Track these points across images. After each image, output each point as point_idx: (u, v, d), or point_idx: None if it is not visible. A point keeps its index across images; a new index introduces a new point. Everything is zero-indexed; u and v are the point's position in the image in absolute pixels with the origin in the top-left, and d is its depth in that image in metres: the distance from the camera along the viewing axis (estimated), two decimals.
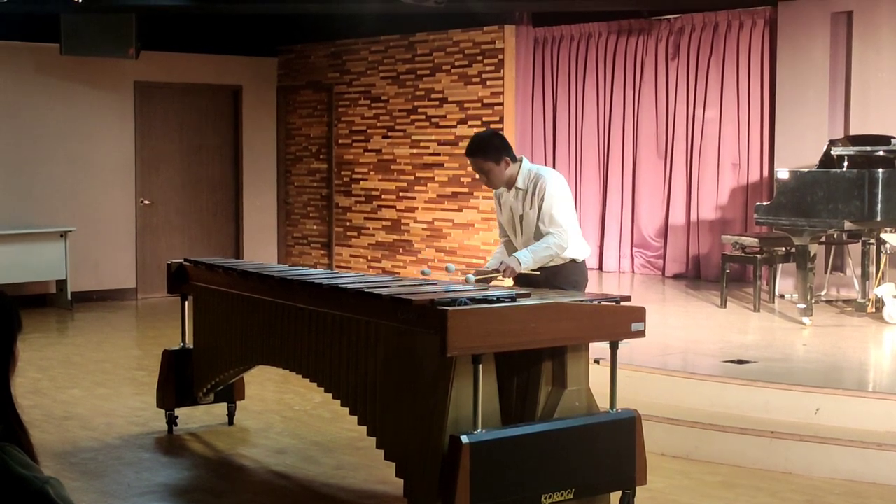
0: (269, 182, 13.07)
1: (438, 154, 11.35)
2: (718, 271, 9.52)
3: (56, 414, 6.85)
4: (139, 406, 7.01)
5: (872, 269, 8.56)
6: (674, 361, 7.03)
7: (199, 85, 12.43)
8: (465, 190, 11.10)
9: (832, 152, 8.58)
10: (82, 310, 11.13)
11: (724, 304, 9.01)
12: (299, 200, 13.00)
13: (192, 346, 6.33)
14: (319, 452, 6.00)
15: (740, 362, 6.79)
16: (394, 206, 11.85)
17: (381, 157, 11.97)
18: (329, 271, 5.87)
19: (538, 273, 5.45)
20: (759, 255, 8.96)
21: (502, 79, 10.82)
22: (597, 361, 5.78)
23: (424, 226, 11.52)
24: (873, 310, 8.46)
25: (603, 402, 4.78)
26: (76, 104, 11.56)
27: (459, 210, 11.16)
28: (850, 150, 8.51)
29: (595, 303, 4.67)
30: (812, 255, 8.25)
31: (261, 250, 12.82)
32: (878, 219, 7.84)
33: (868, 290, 8.56)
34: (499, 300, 4.37)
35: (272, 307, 5.37)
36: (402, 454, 4.49)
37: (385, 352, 4.56)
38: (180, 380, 6.30)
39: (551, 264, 5.46)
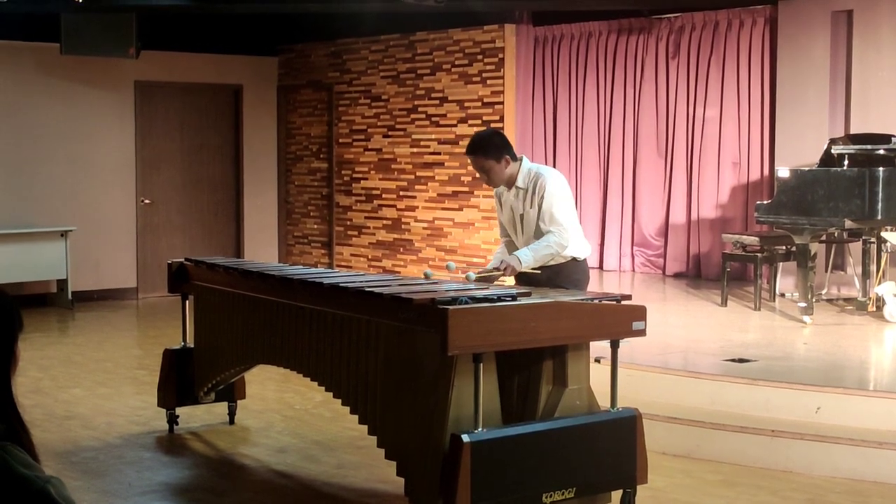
0: (270, 181, 13.08)
1: (439, 153, 11.35)
2: (719, 270, 9.52)
3: (57, 413, 6.85)
4: (140, 405, 7.01)
5: (873, 267, 8.57)
6: (674, 360, 7.03)
7: (200, 84, 12.43)
8: (466, 189, 11.10)
9: (833, 151, 8.58)
10: (83, 309, 11.13)
11: (724, 303, 9.01)
12: (300, 200, 13.00)
13: (192, 346, 6.33)
14: (320, 451, 6.00)
15: (741, 361, 6.80)
16: (394, 206, 11.85)
17: (381, 157, 11.97)
18: (330, 270, 5.87)
19: (539, 272, 5.45)
20: (759, 254, 8.96)
21: (502, 78, 10.82)
22: (597, 360, 5.78)
23: (425, 225, 11.52)
24: (874, 308, 8.46)
25: (604, 401, 4.78)
26: (77, 104, 11.56)
27: (460, 209, 11.16)
28: (851, 148, 8.51)
29: (596, 302, 4.68)
30: (813, 253, 8.25)
31: (261, 249, 12.82)
32: (879, 217, 7.84)
33: (869, 288, 8.56)
34: (500, 299, 4.37)
35: (273, 306, 5.37)
36: (403, 453, 4.49)
37: (386, 351, 4.56)
38: (181, 379, 6.30)
39: (552, 263, 5.46)
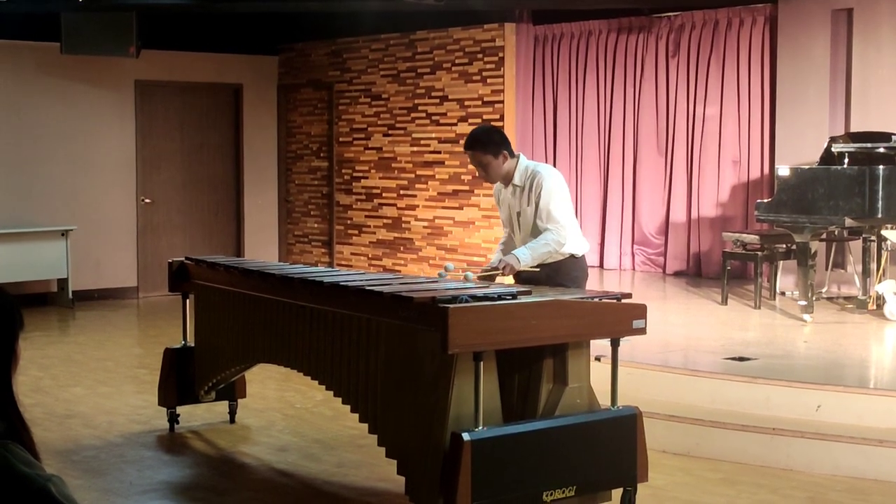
0: (270, 180, 13.08)
1: (439, 152, 11.35)
2: (719, 268, 9.52)
3: (58, 412, 6.85)
4: (141, 404, 7.01)
5: (873, 265, 8.57)
6: (675, 358, 7.03)
7: (200, 83, 12.43)
8: (466, 188, 11.11)
9: (833, 149, 8.58)
10: (83, 308, 11.13)
11: (724, 302, 9.01)
12: (300, 199, 13.01)
13: (193, 345, 6.33)
14: (321, 450, 6.01)
15: (741, 359, 6.80)
16: (394, 204, 11.85)
17: (381, 155, 11.97)
18: (330, 269, 5.87)
19: (538, 270, 5.45)
20: (759, 253, 8.96)
21: (503, 76, 10.82)
22: (598, 359, 5.79)
23: (425, 224, 11.52)
24: (874, 307, 8.46)
25: (604, 400, 4.78)
26: (77, 103, 11.57)
27: (460, 208, 11.16)
28: (851, 147, 8.51)
29: (596, 300, 4.68)
30: (813, 252, 8.25)
31: (262, 249, 12.82)
32: (879, 216, 7.84)
33: (869, 286, 8.56)
34: (500, 297, 4.37)
35: (273, 305, 5.37)
36: (404, 452, 4.49)
37: (386, 349, 4.56)
38: (182, 378, 6.30)
39: (550, 260, 5.47)
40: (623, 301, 4.71)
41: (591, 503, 4.73)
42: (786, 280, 9.50)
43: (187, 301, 6.38)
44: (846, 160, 8.38)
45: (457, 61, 11.18)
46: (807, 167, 8.40)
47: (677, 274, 10.94)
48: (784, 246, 8.98)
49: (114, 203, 11.88)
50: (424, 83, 11.47)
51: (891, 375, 6.90)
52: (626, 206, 11.39)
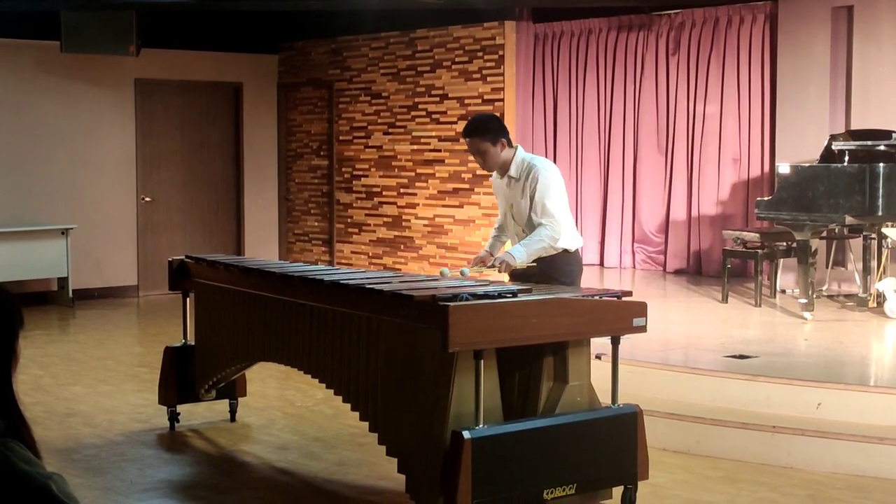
0: (270, 179, 13.08)
1: (439, 150, 11.35)
2: (719, 266, 9.52)
3: (58, 411, 6.85)
4: (141, 403, 7.01)
5: (874, 263, 8.57)
6: (675, 356, 7.03)
7: (200, 82, 12.43)
8: (466, 186, 11.10)
9: (833, 147, 8.58)
10: (84, 307, 11.14)
11: (725, 300, 9.01)
12: (300, 197, 13.00)
13: (193, 343, 6.33)
14: (321, 449, 6.01)
15: (741, 357, 6.79)
16: (395, 203, 11.85)
17: (381, 154, 11.97)
18: (330, 268, 5.87)
19: (534, 265, 5.45)
20: (760, 250, 8.96)
21: (503, 75, 10.82)
22: (598, 357, 5.79)
23: (425, 222, 11.52)
24: (875, 304, 8.46)
25: (604, 398, 4.79)
26: (77, 102, 11.56)
27: (460, 206, 11.16)
28: (851, 144, 8.51)
29: (596, 298, 4.68)
30: (813, 249, 8.25)
31: (262, 247, 12.82)
32: (879, 213, 7.84)
33: (869, 284, 8.56)
34: (500, 295, 4.37)
35: (274, 304, 5.37)
36: (404, 450, 4.49)
37: (386, 348, 4.56)
38: (182, 376, 6.31)
39: (544, 254, 5.46)
40: (623, 299, 4.71)
41: (592, 501, 4.74)
42: (786, 278, 9.50)
43: (187, 300, 6.38)
44: (846, 158, 8.38)
45: (457, 59, 11.18)
46: (807, 165, 8.40)
47: (678, 272, 10.94)
48: (784, 244, 8.97)
49: (114, 202, 11.88)
50: (424, 81, 11.46)
51: (891, 373, 6.91)
52: (626, 204, 11.39)
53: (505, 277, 5.62)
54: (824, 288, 9.26)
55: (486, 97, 10.94)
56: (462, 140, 5.76)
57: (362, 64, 12.11)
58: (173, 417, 6.35)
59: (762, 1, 10.26)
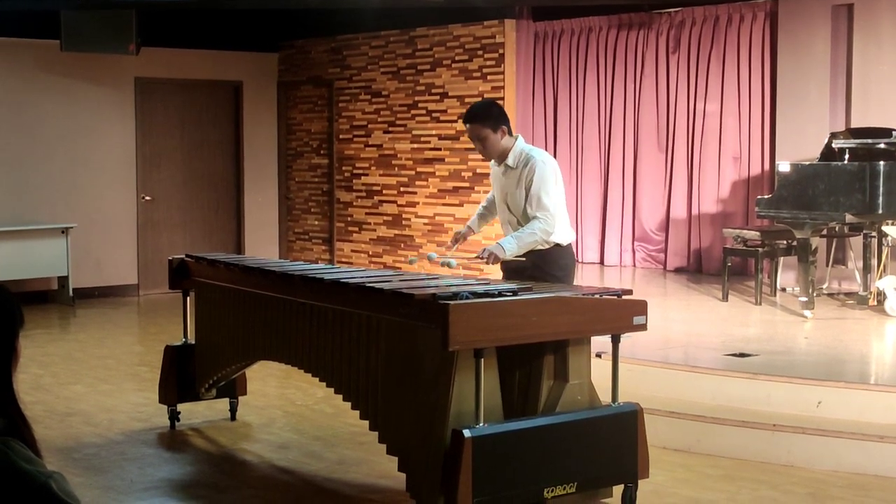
0: (270, 178, 13.07)
1: (439, 149, 11.35)
2: (720, 265, 9.52)
3: (58, 410, 6.85)
4: (141, 402, 7.01)
5: (874, 261, 8.57)
6: (675, 355, 7.03)
7: (200, 81, 12.43)
8: (466, 185, 11.10)
9: (833, 145, 8.58)
10: (84, 306, 11.13)
11: (725, 298, 9.01)
12: (300, 196, 13.00)
13: (193, 342, 6.33)
14: (322, 447, 6.01)
15: (742, 355, 6.79)
16: (395, 201, 11.84)
17: (381, 153, 11.96)
18: (330, 266, 5.87)
19: (524, 259, 5.44)
20: (760, 249, 8.96)
21: (503, 73, 10.81)
22: (598, 355, 5.79)
23: (425, 220, 11.52)
24: (875, 302, 8.46)
25: (605, 396, 4.79)
26: (77, 101, 11.56)
27: (460, 205, 11.15)
28: (852, 142, 8.51)
29: (597, 297, 4.68)
30: (813, 248, 8.25)
31: (262, 246, 12.82)
32: (880, 211, 7.83)
33: (870, 282, 8.56)
34: (500, 294, 4.37)
35: (274, 302, 5.37)
36: (405, 448, 4.49)
37: (387, 346, 4.56)
38: (182, 375, 6.30)
39: (535, 248, 5.44)
40: (624, 297, 4.70)
41: (592, 500, 4.75)
42: (786, 276, 9.50)
43: (188, 298, 6.38)
44: (847, 156, 8.38)
45: (457, 58, 11.18)
46: (807, 163, 8.40)
47: (678, 270, 10.94)
48: (784, 242, 8.97)
49: (114, 200, 11.88)
50: (424, 80, 11.46)
51: (891, 371, 6.91)
52: (626, 203, 11.39)
53: (493, 269, 5.60)
54: (824, 286, 9.26)
55: (486, 96, 10.92)
56: (464, 126, 5.73)
57: (362, 62, 12.11)
58: (174, 416, 6.35)
59: None
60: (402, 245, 11.78)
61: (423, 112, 11.49)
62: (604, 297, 4.69)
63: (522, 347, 4.53)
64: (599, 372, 4.99)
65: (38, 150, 11.33)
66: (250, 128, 12.82)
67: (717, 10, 10.58)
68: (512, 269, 5.49)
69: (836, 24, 9.75)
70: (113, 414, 6.76)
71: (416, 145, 11.58)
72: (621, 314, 4.62)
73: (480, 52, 10.99)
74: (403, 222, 11.76)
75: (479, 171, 10.83)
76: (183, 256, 6.44)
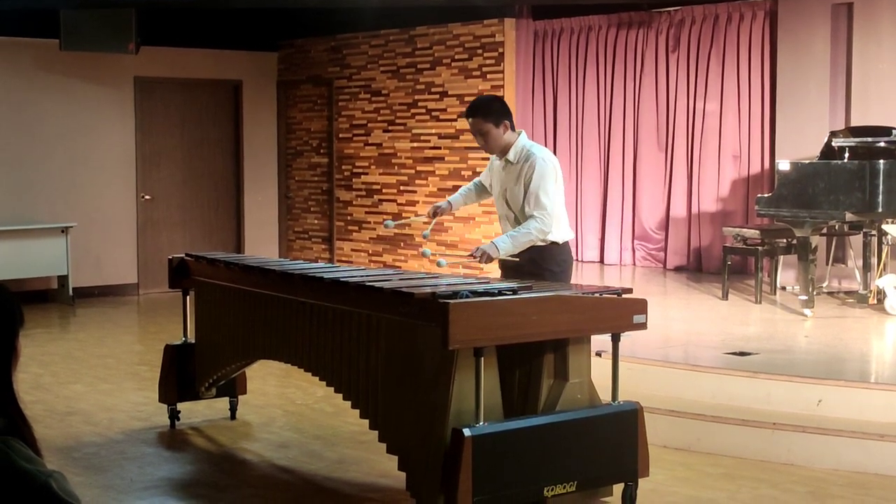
0: (270, 177, 13.07)
1: (439, 148, 11.35)
2: (720, 263, 9.52)
3: (58, 409, 6.85)
4: (141, 401, 7.01)
5: (874, 260, 8.57)
6: (675, 354, 7.03)
7: (200, 80, 12.42)
8: (466, 183, 11.08)
9: (833, 144, 8.58)
10: (84, 305, 11.13)
11: (725, 296, 9.01)
12: (300, 195, 13.00)
13: (193, 341, 6.33)
14: (322, 446, 6.01)
15: (742, 354, 6.80)
16: (395, 200, 11.84)
17: (381, 151, 11.96)
18: (330, 265, 5.87)
19: (517, 259, 5.42)
20: (760, 247, 8.96)
21: (502, 72, 10.81)
22: (598, 354, 5.79)
23: (425, 219, 11.50)
24: (875, 301, 8.46)
25: (605, 395, 4.79)
26: (76, 100, 11.56)
27: None
28: (851, 141, 8.51)
29: (597, 295, 4.67)
30: (813, 246, 8.25)
31: (262, 245, 12.82)
32: (880, 210, 7.84)
33: (870, 281, 8.56)
34: (500, 293, 4.37)
35: (274, 301, 5.37)
36: (405, 447, 4.49)
37: (387, 345, 4.56)
38: (182, 374, 6.30)
39: (536, 244, 5.42)
40: (623, 296, 4.70)
41: (593, 498, 4.75)
42: (786, 275, 9.50)
43: (187, 298, 6.38)
44: (846, 155, 8.38)
45: (456, 57, 11.17)
46: (807, 162, 8.40)
47: (678, 269, 10.94)
48: (784, 240, 8.97)
49: (114, 200, 11.87)
50: (424, 79, 11.46)
51: (892, 370, 6.91)
52: (626, 202, 11.39)
53: (493, 268, 5.59)
54: (824, 285, 9.27)
55: (485, 94, 10.92)
56: (466, 120, 5.72)
57: (362, 61, 12.10)
58: (173, 415, 6.35)
59: None
60: (402, 244, 11.78)
61: (423, 111, 11.49)
62: (604, 295, 4.69)
63: (522, 346, 4.53)
64: (599, 371, 4.99)
65: (37, 150, 11.33)
66: (250, 127, 12.82)
67: (716, 9, 10.58)
68: (509, 266, 5.49)
69: (835, 22, 9.75)
70: (113, 413, 6.75)
71: (415, 144, 11.58)
72: (621, 313, 4.62)
73: (480, 51, 10.98)
74: (403, 221, 11.74)
75: (478, 169, 10.82)
76: (183, 255, 6.44)
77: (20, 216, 11.12)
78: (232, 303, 5.85)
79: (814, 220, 8.08)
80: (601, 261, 11.54)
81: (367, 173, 12.14)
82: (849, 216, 7.97)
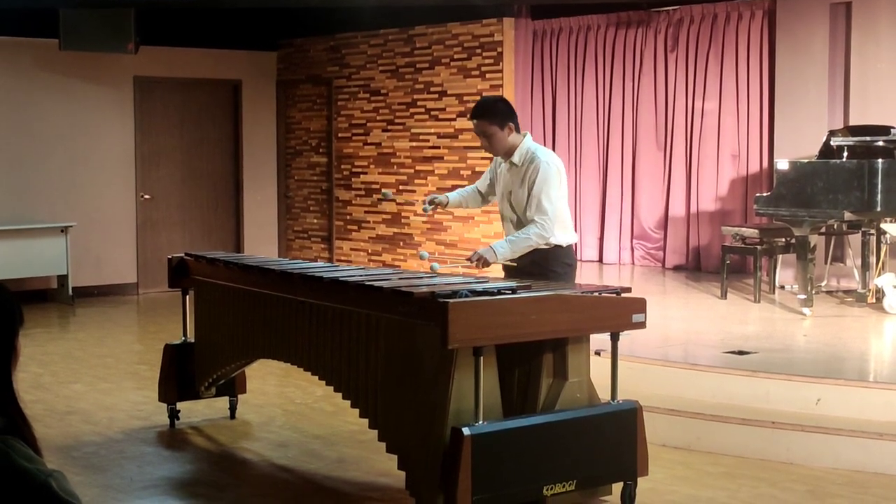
0: (270, 176, 13.07)
1: (438, 147, 11.35)
2: (719, 262, 9.53)
3: (58, 408, 6.86)
4: (141, 400, 7.02)
5: (872, 259, 8.57)
6: (675, 353, 7.03)
7: (199, 79, 12.42)
8: (465, 183, 11.07)
9: (832, 143, 8.58)
10: (83, 305, 11.14)
11: (724, 296, 9.02)
12: (299, 194, 13.00)
13: (193, 341, 6.34)
14: (321, 446, 6.01)
15: (741, 353, 6.80)
16: (393, 199, 11.84)
17: (380, 151, 11.96)
18: (330, 265, 5.87)
19: (516, 263, 5.40)
20: (759, 246, 8.97)
21: (501, 71, 10.81)
22: (598, 353, 5.79)
23: (424, 219, 11.52)
24: (874, 300, 8.46)
25: (604, 394, 4.79)
26: (76, 99, 11.56)
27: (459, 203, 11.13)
28: (850, 140, 8.51)
29: (596, 294, 4.68)
30: (812, 245, 8.25)
31: (261, 244, 12.82)
32: (878, 209, 7.84)
33: (868, 280, 8.57)
34: (499, 292, 4.37)
35: (273, 301, 5.37)
36: (404, 447, 4.50)
37: (386, 345, 4.56)
38: (182, 374, 6.31)
39: (539, 247, 5.41)
40: (622, 295, 4.71)
41: (592, 497, 4.75)
42: (785, 274, 9.51)
43: (187, 297, 6.38)
44: (845, 154, 8.38)
45: (455, 56, 11.18)
46: (806, 161, 8.40)
47: (677, 268, 10.95)
48: (783, 240, 8.98)
49: (113, 199, 11.88)
50: (423, 78, 11.46)
51: (890, 369, 6.91)
52: (625, 201, 11.40)
53: (494, 267, 5.58)
54: (823, 284, 9.27)
55: (484, 94, 10.91)
56: (470, 122, 5.67)
57: (361, 61, 12.10)
58: (173, 415, 6.36)
59: None
60: (402, 243, 11.78)
61: (422, 110, 11.49)
62: (603, 295, 4.69)
63: (522, 345, 4.53)
64: (599, 370, 4.99)
65: (37, 150, 11.33)
66: (249, 126, 12.82)
67: (715, 9, 10.58)
68: (513, 268, 5.47)
69: (834, 22, 9.76)
70: (112, 412, 6.76)
71: (414, 144, 11.58)
72: (620, 312, 4.62)
73: (479, 51, 10.98)
74: (402, 221, 11.76)
75: (478, 169, 10.83)
76: (182, 255, 6.44)
77: (20, 216, 11.12)
78: (231, 302, 5.86)
79: (812, 219, 8.08)
80: (600, 260, 11.54)
81: (366, 173, 12.14)
82: (847, 215, 7.97)
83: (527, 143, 5.46)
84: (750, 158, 10.44)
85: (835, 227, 8.92)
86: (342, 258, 12.38)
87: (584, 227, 11.64)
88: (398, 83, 11.71)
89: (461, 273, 5.52)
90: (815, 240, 8.41)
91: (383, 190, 5.57)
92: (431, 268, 5.21)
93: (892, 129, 8.42)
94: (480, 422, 4.20)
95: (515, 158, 5.43)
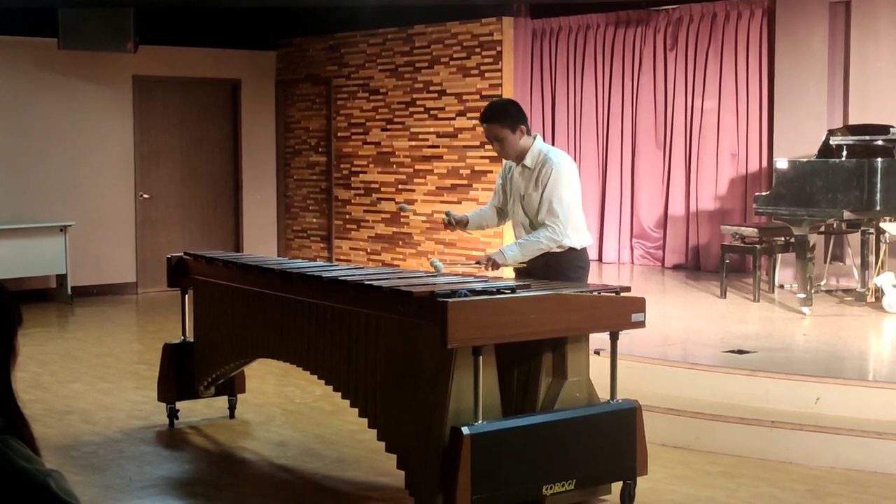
0: (269, 175, 13.07)
1: (437, 146, 11.35)
2: (718, 262, 9.52)
3: (57, 408, 6.85)
4: (140, 400, 7.01)
5: (872, 258, 8.57)
6: (674, 352, 7.03)
7: (198, 79, 12.42)
8: (465, 182, 11.10)
9: (831, 142, 8.58)
10: (82, 304, 11.13)
11: (723, 295, 9.01)
12: (299, 194, 13.00)
13: (192, 340, 6.33)
14: (320, 445, 6.01)
15: (740, 352, 6.80)
16: (393, 199, 11.84)
17: (380, 150, 11.96)
18: (329, 264, 5.87)
19: (525, 265, 5.38)
20: (758, 246, 8.97)
21: (501, 71, 10.81)
22: (597, 352, 5.78)
23: (424, 218, 11.51)
24: (873, 299, 8.46)
25: (603, 393, 4.79)
26: (75, 99, 11.55)
27: (459, 202, 11.15)
28: (849, 139, 8.51)
29: (595, 294, 4.68)
30: (811, 244, 8.25)
31: (260, 244, 12.82)
32: (878, 208, 7.84)
33: (868, 279, 8.56)
34: (499, 291, 4.37)
35: (272, 300, 5.37)
36: (404, 446, 4.50)
37: (385, 344, 4.56)
38: (181, 373, 6.31)
39: (551, 250, 5.38)
40: (622, 294, 4.71)
41: (591, 497, 4.75)
42: (784, 273, 9.51)
43: (186, 296, 6.38)
44: (844, 153, 8.38)
45: (455, 55, 11.18)
46: (805, 160, 8.40)
47: (676, 267, 10.95)
48: (783, 239, 8.98)
49: (112, 199, 11.87)
50: (422, 77, 11.46)
51: (890, 368, 6.91)
52: (624, 200, 11.40)
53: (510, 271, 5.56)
54: (822, 283, 9.27)
55: (484, 93, 10.93)
56: (480, 126, 5.61)
57: (360, 60, 12.10)
58: (172, 414, 6.35)
59: None
60: (401, 243, 11.78)
61: (422, 110, 11.49)
62: (602, 294, 4.69)
63: (521, 345, 4.53)
64: (598, 369, 4.99)
65: (36, 149, 11.33)
66: (248, 126, 12.82)
67: (714, 7, 10.58)
68: (525, 271, 5.41)
69: (833, 21, 9.76)
70: (112, 412, 6.76)
71: (414, 143, 11.58)
72: (620, 311, 4.62)
73: (478, 50, 10.98)
74: (402, 220, 11.75)
75: (477, 168, 10.84)
76: (181, 254, 6.44)
77: (19, 215, 11.12)
78: (231, 302, 5.85)
79: (812, 218, 8.08)
80: (599, 259, 11.54)
81: (365, 172, 12.14)
82: (847, 214, 7.97)
83: (538, 144, 5.39)
84: (749, 157, 10.44)
85: (834, 226, 8.92)
86: (341, 257, 12.38)
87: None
88: (397, 82, 11.71)
89: (461, 273, 5.50)
90: (815, 239, 8.41)
91: (402, 203, 5.49)
92: (433, 265, 5.20)
93: (891, 129, 8.42)
94: (480, 421, 4.20)
95: (528, 161, 5.36)
